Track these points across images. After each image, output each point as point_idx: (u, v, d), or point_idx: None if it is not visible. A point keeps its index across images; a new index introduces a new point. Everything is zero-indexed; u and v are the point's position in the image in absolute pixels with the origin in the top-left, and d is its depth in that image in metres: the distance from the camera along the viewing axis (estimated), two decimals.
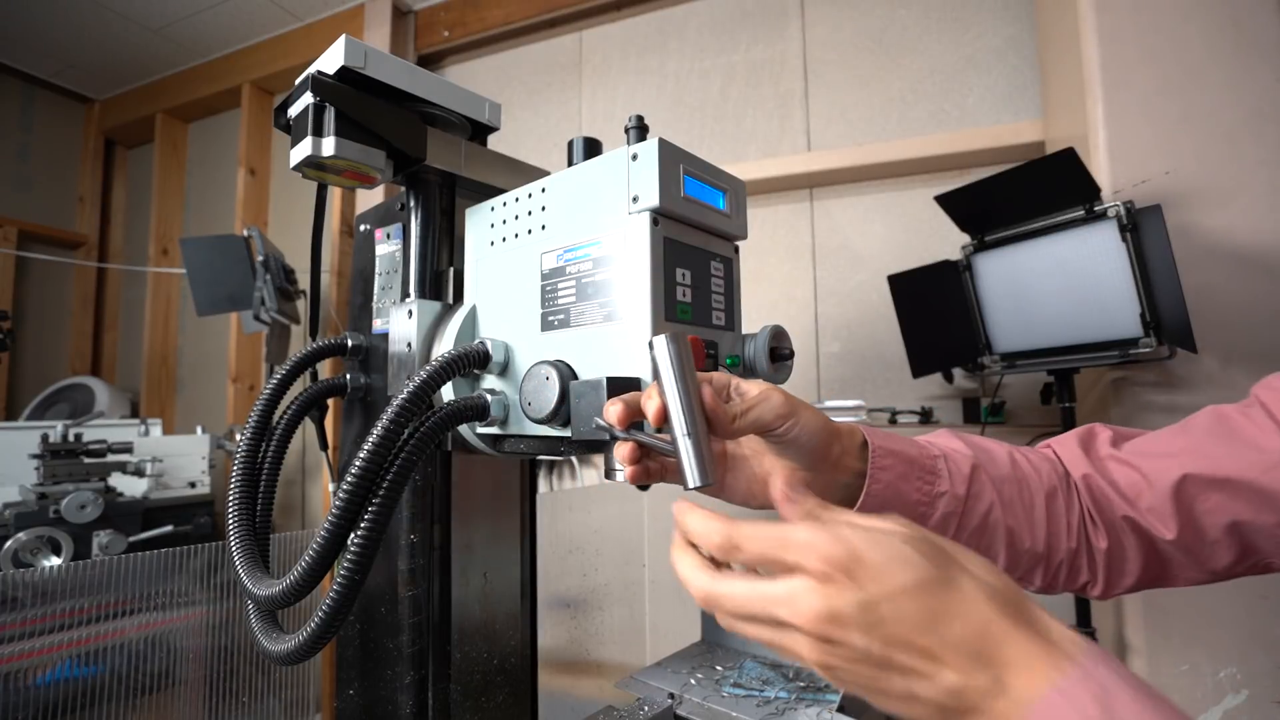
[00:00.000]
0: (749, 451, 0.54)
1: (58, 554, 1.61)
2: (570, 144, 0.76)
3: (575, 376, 0.61)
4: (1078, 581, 0.60)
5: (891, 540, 0.33)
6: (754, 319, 0.91)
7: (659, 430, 0.45)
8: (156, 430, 2.23)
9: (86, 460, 1.83)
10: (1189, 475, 0.53)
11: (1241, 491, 0.52)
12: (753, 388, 0.49)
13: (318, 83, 0.67)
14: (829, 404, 1.59)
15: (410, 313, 0.76)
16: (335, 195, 2.29)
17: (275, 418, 0.76)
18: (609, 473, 0.63)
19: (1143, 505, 0.56)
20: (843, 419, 0.56)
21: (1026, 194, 1.18)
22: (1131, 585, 0.59)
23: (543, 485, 1.00)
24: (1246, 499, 0.52)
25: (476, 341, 0.69)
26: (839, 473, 0.53)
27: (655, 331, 0.56)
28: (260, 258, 2.03)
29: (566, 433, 0.61)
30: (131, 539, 1.74)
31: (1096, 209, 1.11)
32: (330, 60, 0.69)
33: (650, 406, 0.45)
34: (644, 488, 0.66)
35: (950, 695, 0.30)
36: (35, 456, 1.79)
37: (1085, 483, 0.60)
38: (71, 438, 1.84)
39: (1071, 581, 0.60)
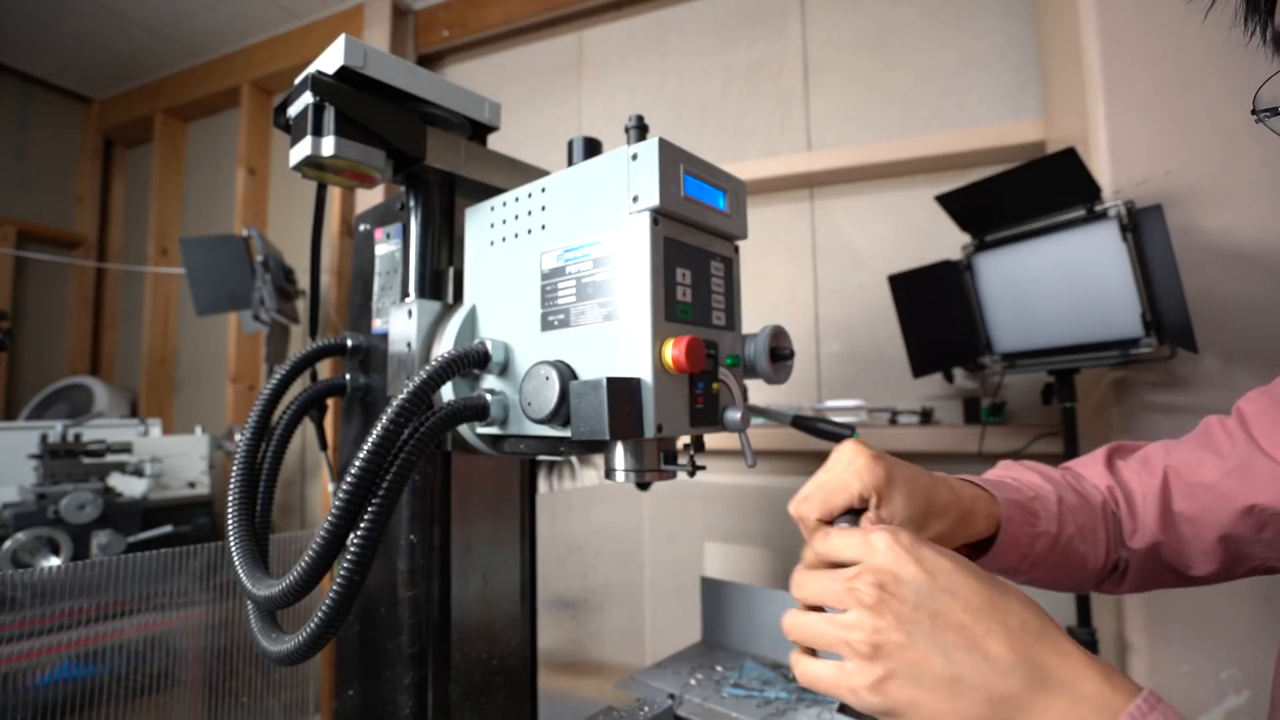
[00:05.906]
0: None
1: (56, 554, 1.61)
2: (570, 144, 0.76)
3: (575, 376, 0.61)
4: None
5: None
6: (754, 319, 0.90)
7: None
8: (156, 430, 2.23)
9: (85, 460, 1.83)
10: (1169, 478, 0.59)
11: (1214, 495, 0.56)
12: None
13: (317, 82, 0.67)
14: (829, 404, 1.59)
15: (410, 313, 0.76)
16: (335, 195, 2.29)
17: (274, 418, 0.75)
18: (609, 473, 0.63)
19: (1142, 513, 0.60)
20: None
21: (1027, 194, 1.17)
22: (1126, 589, 0.63)
23: (542, 485, 1.00)
24: (1221, 502, 0.55)
25: (476, 341, 0.68)
26: (963, 527, 0.53)
27: (655, 331, 0.56)
28: (259, 257, 2.03)
29: (566, 433, 0.61)
30: (130, 539, 1.74)
31: (1097, 209, 1.11)
32: (330, 60, 0.69)
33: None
34: (644, 486, 0.66)
35: (999, 678, 0.32)
36: (34, 457, 1.79)
37: (1110, 495, 0.63)
38: (70, 438, 1.83)
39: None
